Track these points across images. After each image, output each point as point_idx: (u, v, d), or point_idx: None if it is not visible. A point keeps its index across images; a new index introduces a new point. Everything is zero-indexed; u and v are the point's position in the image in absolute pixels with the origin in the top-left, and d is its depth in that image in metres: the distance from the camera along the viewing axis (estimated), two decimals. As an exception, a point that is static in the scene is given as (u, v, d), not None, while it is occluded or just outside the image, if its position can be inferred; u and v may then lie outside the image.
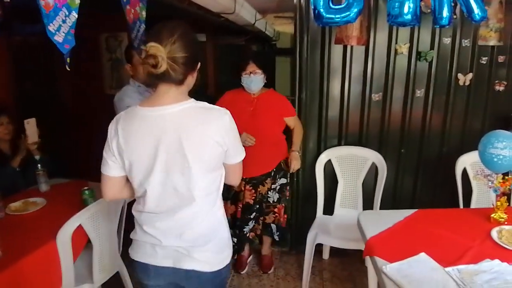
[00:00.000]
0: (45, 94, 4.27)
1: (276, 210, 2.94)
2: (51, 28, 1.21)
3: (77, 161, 4.12)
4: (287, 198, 3.03)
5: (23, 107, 3.70)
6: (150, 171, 1.37)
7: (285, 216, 3.03)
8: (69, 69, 1.23)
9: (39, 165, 2.62)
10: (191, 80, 1.41)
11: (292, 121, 2.86)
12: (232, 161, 1.49)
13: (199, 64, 1.42)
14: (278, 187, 2.90)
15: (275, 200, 2.92)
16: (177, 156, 1.33)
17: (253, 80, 2.67)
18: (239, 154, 1.50)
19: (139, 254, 1.51)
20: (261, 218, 2.94)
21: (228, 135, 1.40)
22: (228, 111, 1.42)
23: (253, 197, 2.85)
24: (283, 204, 2.97)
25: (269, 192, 2.88)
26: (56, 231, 1.96)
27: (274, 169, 2.84)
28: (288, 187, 3.00)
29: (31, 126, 2.73)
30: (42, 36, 3.78)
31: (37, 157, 2.67)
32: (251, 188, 2.83)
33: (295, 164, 2.81)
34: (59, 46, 1.22)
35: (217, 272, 1.49)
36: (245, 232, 2.89)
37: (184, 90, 1.39)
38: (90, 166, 3.60)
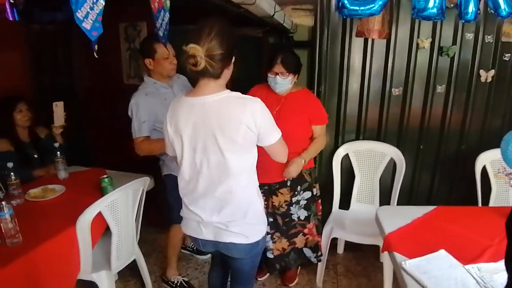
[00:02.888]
0: (63, 83, 4.30)
1: (306, 230, 2.61)
2: (79, 15, 1.21)
3: (94, 149, 4.17)
4: (318, 214, 2.70)
5: (40, 96, 3.73)
6: (194, 152, 1.60)
7: (319, 237, 2.72)
8: (97, 56, 1.24)
9: (58, 152, 2.64)
10: (227, 73, 1.60)
11: (319, 130, 2.56)
12: (266, 142, 1.63)
13: (234, 58, 1.60)
14: (304, 203, 2.58)
15: (302, 218, 2.58)
16: (214, 138, 1.53)
17: (278, 82, 2.40)
18: (273, 136, 1.63)
19: (188, 229, 1.78)
20: (284, 237, 2.60)
21: (259, 120, 1.53)
22: (259, 100, 1.56)
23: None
24: (313, 222, 2.63)
25: (290, 207, 2.56)
26: (75, 218, 1.99)
27: (291, 179, 2.52)
28: (318, 201, 2.68)
29: (59, 109, 2.72)
30: (60, 25, 3.79)
31: (56, 144, 2.69)
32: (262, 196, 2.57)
33: (292, 170, 2.38)
34: (87, 33, 1.23)
35: (254, 243, 1.69)
36: None
37: (221, 83, 1.59)
38: (108, 155, 3.66)
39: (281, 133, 1.67)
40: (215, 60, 1.48)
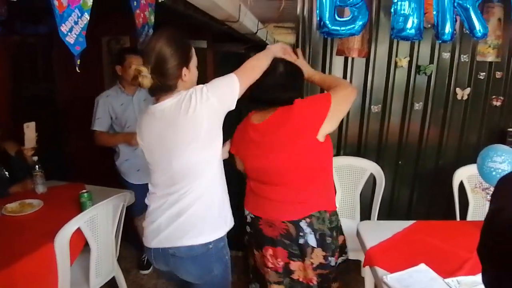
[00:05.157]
0: (43, 96, 4.23)
1: None
2: (63, 29, 1.21)
3: (74, 164, 4.09)
4: None
5: (20, 108, 3.66)
6: (155, 158, 1.57)
7: None
8: (78, 71, 1.23)
9: (37, 166, 2.58)
10: (182, 84, 1.50)
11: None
12: (236, 89, 1.47)
13: (187, 67, 1.50)
14: None
15: None
16: (176, 142, 1.47)
17: None
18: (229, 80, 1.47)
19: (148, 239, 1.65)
20: None
21: (211, 94, 1.43)
22: (203, 86, 1.45)
23: None
24: None
25: None
26: (53, 233, 1.94)
27: None
28: None
29: (30, 130, 2.57)
30: (41, 38, 3.74)
31: (35, 158, 2.62)
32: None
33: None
34: (70, 48, 1.22)
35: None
36: None
37: (179, 90, 1.49)
38: (88, 169, 3.60)
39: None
40: (163, 75, 1.44)
